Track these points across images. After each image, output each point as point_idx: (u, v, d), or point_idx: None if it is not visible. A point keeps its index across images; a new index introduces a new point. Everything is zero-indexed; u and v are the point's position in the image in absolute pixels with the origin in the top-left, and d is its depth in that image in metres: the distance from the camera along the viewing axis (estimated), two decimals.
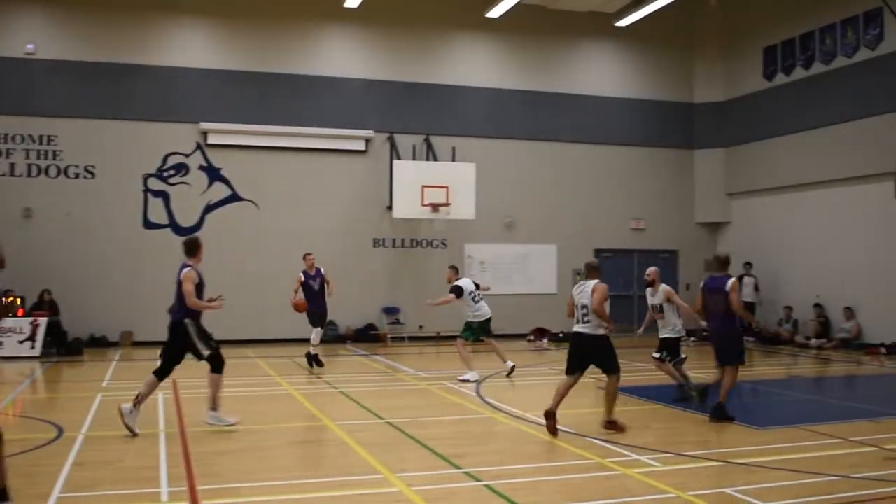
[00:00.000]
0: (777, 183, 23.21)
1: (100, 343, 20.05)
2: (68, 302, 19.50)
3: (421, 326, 22.58)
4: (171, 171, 21.20)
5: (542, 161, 24.00)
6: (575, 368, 10.19)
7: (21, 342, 18.04)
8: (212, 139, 21.37)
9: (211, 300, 10.32)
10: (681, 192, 25.50)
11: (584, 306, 10.06)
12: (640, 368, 15.31)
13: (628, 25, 23.36)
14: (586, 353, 10.12)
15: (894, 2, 18.12)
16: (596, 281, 10.15)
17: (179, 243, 20.98)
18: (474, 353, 15.02)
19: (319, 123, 22.06)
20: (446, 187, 21.33)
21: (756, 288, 22.91)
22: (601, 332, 10.02)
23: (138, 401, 9.89)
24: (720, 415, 10.61)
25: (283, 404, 11.33)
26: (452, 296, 14.87)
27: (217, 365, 10.12)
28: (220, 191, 21.50)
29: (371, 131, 22.48)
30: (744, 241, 24.39)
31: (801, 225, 22.29)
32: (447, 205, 21.30)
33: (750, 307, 21.95)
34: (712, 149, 25.34)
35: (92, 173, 20.59)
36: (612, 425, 9.97)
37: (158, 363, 10.20)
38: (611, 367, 10.09)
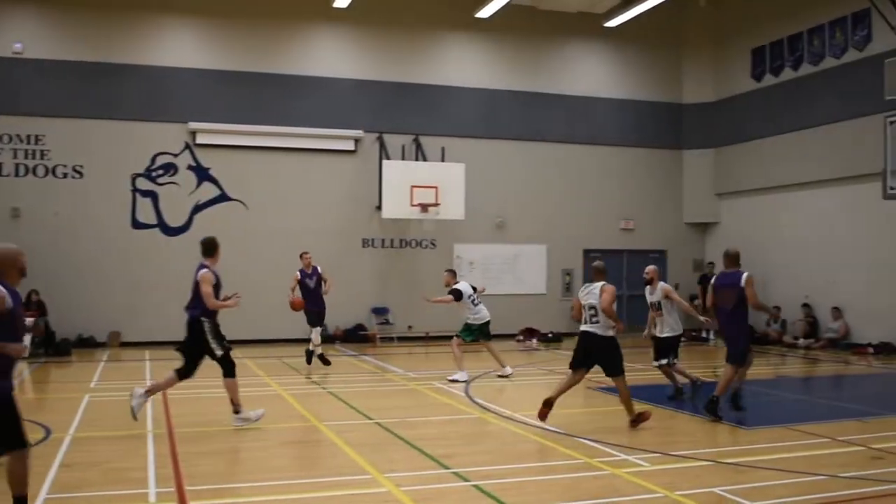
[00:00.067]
0: (765, 183, 23.28)
1: (87, 343, 19.98)
2: (56, 302, 19.43)
3: (410, 327, 22.58)
4: (160, 171, 21.13)
5: (531, 161, 24.01)
6: (579, 365, 10.37)
7: None
8: (200, 139, 21.31)
9: (226, 298, 10.51)
10: (670, 192, 25.55)
11: (591, 307, 10.19)
12: (630, 368, 15.30)
13: (617, 26, 23.38)
14: (592, 352, 10.28)
15: (882, 3, 18.18)
16: (603, 282, 10.29)
17: (167, 243, 21.17)
18: (465, 354, 15.01)
19: (308, 123, 22.02)
20: (436, 187, 21.33)
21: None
22: (611, 333, 10.17)
23: (150, 390, 10.08)
24: (711, 409, 10.65)
25: (272, 405, 11.30)
26: (451, 298, 14.89)
27: (229, 368, 10.21)
28: (208, 191, 21.45)
29: (360, 131, 22.45)
30: (732, 242, 24.20)
31: (790, 225, 22.35)
32: (436, 205, 21.30)
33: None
34: (701, 149, 25.40)
35: (80, 173, 20.51)
36: (638, 418, 10.14)
37: (181, 362, 10.26)
38: (615, 370, 10.23)
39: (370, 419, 10.77)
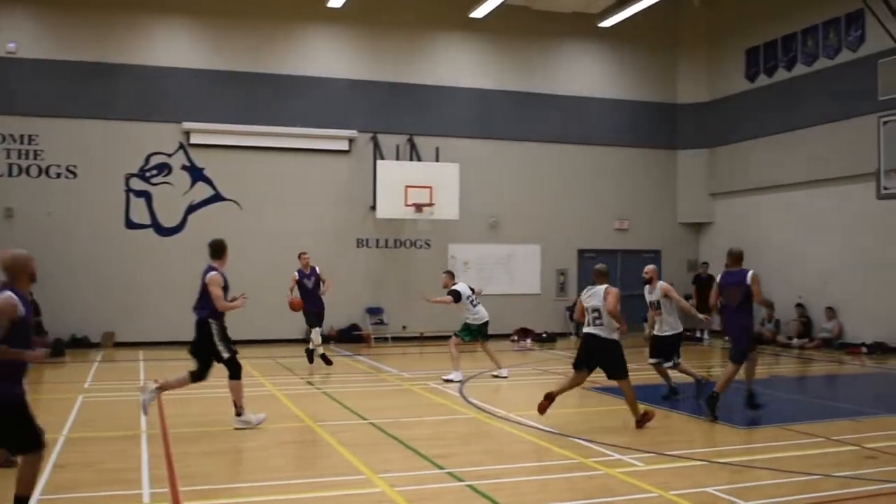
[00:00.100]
0: (759, 183, 23.32)
1: (81, 344, 19.95)
2: (50, 302, 19.35)
3: (404, 327, 22.58)
4: (154, 171, 21.09)
5: (525, 161, 24.02)
6: (582, 366, 10.42)
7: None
8: (194, 139, 21.28)
9: (233, 299, 10.44)
10: (664, 192, 25.57)
11: (595, 309, 10.25)
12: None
13: (612, 26, 23.40)
14: (595, 354, 10.34)
15: (876, 3, 18.21)
16: (606, 285, 10.35)
17: (161, 243, 21.14)
18: (461, 354, 15.01)
19: (302, 123, 21.99)
20: (430, 187, 21.33)
21: None
22: (615, 336, 10.23)
23: (162, 387, 10.13)
24: (711, 404, 10.75)
25: (266, 405, 11.29)
26: (450, 299, 14.91)
27: (235, 371, 10.20)
28: (202, 191, 21.41)
29: (354, 131, 22.44)
30: (726, 242, 24.27)
31: (784, 225, 22.38)
32: (431, 205, 21.30)
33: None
34: (695, 149, 25.43)
35: (74, 173, 20.47)
36: (643, 418, 10.20)
37: (194, 365, 10.23)
38: (619, 373, 10.27)
39: (364, 419, 10.76)
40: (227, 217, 21.36)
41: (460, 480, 7.66)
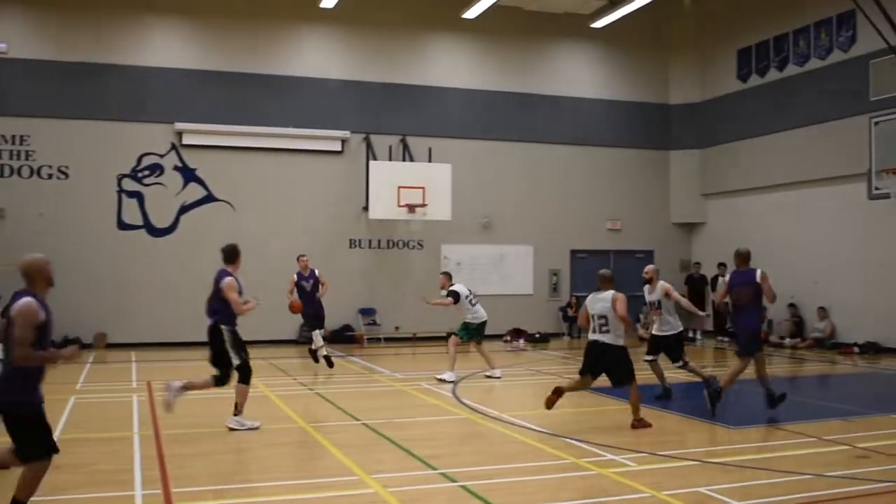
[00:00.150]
0: (752, 184, 23.36)
1: (74, 345, 19.86)
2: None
3: (397, 327, 22.57)
4: (146, 172, 21.06)
5: (518, 162, 24.03)
6: (587, 372, 10.47)
7: None
8: (187, 139, 21.25)
9: (245, 302, 10.44)
10: (656, 192, 25.61)
11: (601, 316, 10.29)
12: None
13: (604, 27, 23.40)
14: (601, 361, 10.36)
15: (867, 4, 18.26)
16: (613, 291, 10.37)
17: (153, 244, 21.10)
18: (464, 354, 15.04)
19: (295, 124, 21.97)
20: (422, 188, 21.32)
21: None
22: (621, 342, 10.28)
23: (186, 386, 10.17)
24: (714, 397, 10.95)
25: (258, 406, 11.28)
26: (450, 300, 14.93)
27: (244, 376, 10.24)
28: (195, 191, 21.38)
29: (347, 132, 22.42)
30: (718, 242, 24.51)
31: (776, 225, 22.42)
32: (423, 205, 21.29)
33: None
34: (687, 150, 25.47)
35: (65, 174, 20.42)
36: (640, 422, 10.24)
37: (217, 371, 10.28)
38: (625, 378, 10.31)
39: (357, 420, 10.76)
40: (219, 218, 21.34)
41: (453, 481, 7.66)
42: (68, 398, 12.54)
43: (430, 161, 22.56)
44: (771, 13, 22.77)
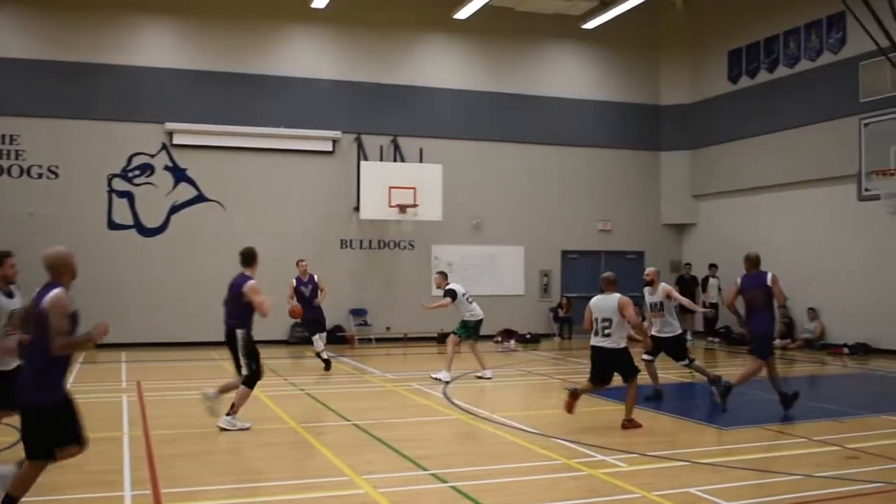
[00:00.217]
0: (742, 185, 23.41)
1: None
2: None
3: (388, 328, 22.56)
4: (136, 172, 21.01)
5: (509, 162, 24.04)
6: (596, 380, 10.58)
7: None
8: (177, 139, 21.20)
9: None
10: (647, 193, 25.64)
11: (605, 319, 10.33)
12: None
13: (595, 28, 23.42)
14: (608, 368, 10.45)
15: (857, 6, 18.31)
16: (618, 294, 10.41)
17: (144, 244, 21.03)
18: (455, 355, 15.02)
19: (286, 124, 21.95)
20: (413, 188, 21.31)
21: (719, 289, 23.10)
22: (623, 344, 10.35)
23: (223, 389, 10.33)
24: (723, 393, 11.14)
25: (248, 406, 11.23)
26: (448, 299, 14.98)
27: (250, 382, 10.30)
28: (185, 191, 21.34)
29: (338, 132, 22.40)
30: (709, 243, 24.60)
31: (766, 226, 22.46)
32: (414, 206, 21.28)
33: (714, 308, 22.19)
34: (678, 151, 25.52)
35: (55, 173, 20.35)
36: (631, 423, 10.25)
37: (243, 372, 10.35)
38: (629, 374, 10.39)
39: (348, 421, 10.74)
40: (210, 218, 21.32)
41: (444, 482, 7.66)
42: None
43: (421, 161, 22.56)
44: (761, 15, 22.83)
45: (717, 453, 8.92)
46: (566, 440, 9.47)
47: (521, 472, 8.20)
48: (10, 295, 7.93)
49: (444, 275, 15.60)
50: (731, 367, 16.71)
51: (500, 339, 22.56)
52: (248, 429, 10.07)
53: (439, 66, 23.64)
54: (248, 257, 10.70)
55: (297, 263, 16.66)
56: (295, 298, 16.16)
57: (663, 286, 12.69)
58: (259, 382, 11.41)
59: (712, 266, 23.42)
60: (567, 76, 24.96)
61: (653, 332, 12.66)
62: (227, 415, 10.13)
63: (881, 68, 18.88)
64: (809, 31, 21.44)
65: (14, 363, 7.74)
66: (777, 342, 20.93)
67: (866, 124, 19.47)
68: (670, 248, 25.79)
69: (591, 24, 23.12)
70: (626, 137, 25.33)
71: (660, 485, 7.50)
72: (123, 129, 20.84)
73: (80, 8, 20.62)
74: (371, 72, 22.89)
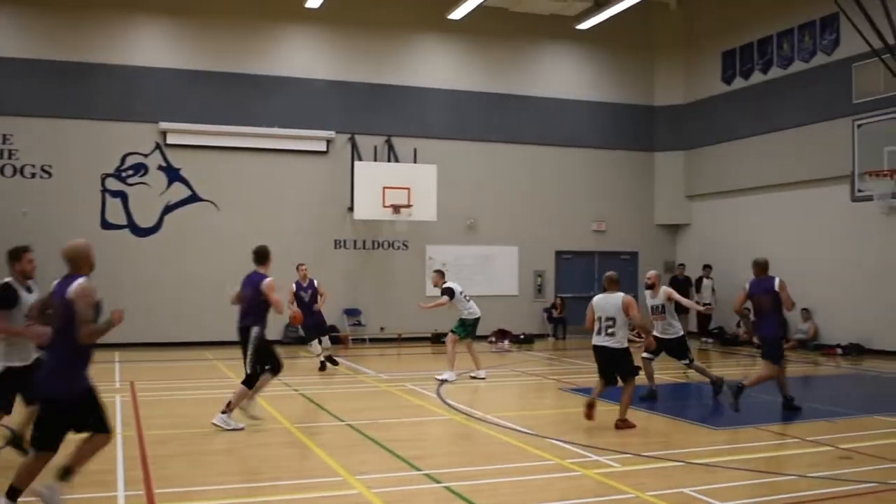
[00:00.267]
0: (736, 185, 23.45)
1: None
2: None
3: (382, 328, 22.55)
4: (130, 172, 20.96)
5: (503, 163, 24.04)
6: (603, 376, 10.61)
7: None
8: (171, 139, 21.17)
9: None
10: (641, 194, 25.67)
11: (609, 318, 10.35)
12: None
13: (589, 29, 23.44)
14: (611, 367, 10.51)
15: (850, 8, 18.36)
16: (622, 294, 10.47)
17: (137, 244, 20.96)
18: (457, 354, 15.02)
19: (280, 124, 21.92)
20: (408, 189, 21.31)
21: (713, 290, 23.15)
22: (626, 344, 10.43)
23: (233, 406, 10.32)
24: (736, 392, 11.10)
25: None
26: (446, 298, 15.01)
27: (249, 382, 10.35)
28: (179, 191, 21.30)
29: (332, 132, 22.39)
30: (703, 243, 24.64)
31: (760, 227, 22.49)
32: (408, 206, 21.27)
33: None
34: (672, 151, 25.55)
35: (49, 173, 20.30)
36: (624, 423, 10.28)
37: (268, 366, 10.52)
38: (628, 375, 10.47)
39: (342, 421, 10.73)
40: (203, 218, 21.29)
41: (438, 482, 7.65)
42: None
43: (415, 162, 22.56)
44: (755, 16, 22.87)
45: (710, 454, 8.93)
46: (560, 440, 9.47)
47: (514, 472, 8.19)
48: (28, 290, 7.96)
49: (441, 273, 15.59)
50: (725, 368, 16.74)
51: (493, 339, 22.57)
52: (241, 429, 10.06)
53: (433, 67, 23.64)
54: (262, 255, 10.83)
55: (297, 268, 16.61)
56: (295, 304, 16.08)
57: (664, 289, 12.77)
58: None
59: (706, 267, 23.46)
60: (561, 77, 24.97)
61: (655, 334, 12.71)
62: (223, 413, 10.12)
63: (874, 69, 18.93)
64: (803, 33, 21.49)
65: (33, 357, 7.85)
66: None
67: (860, 125, 19.52)
68: (664, 249, 25.82)
69: (585, 25, 23.14)
70: (620, 138, 25.36)
71: (653, 485, 7.51)
72: (117, 128, 20.80)
73: (74, 8, 20.57)
74: (365, 72, 22.88)
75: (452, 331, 15.17)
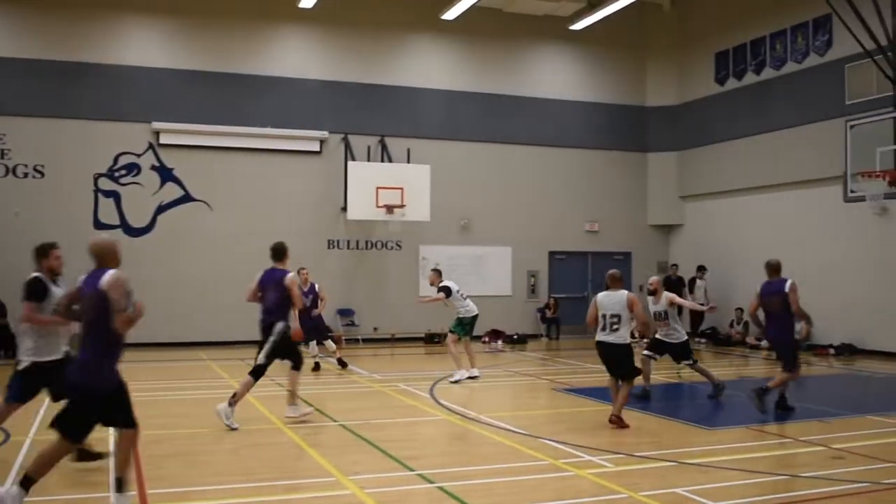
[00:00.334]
0: (729, 186, 23.49)
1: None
2: (16, 303, 19.08)
3: (375, 328, 22.54)
4: (123, 171, 20.92)
5: (496, 163, 24.05)
6: (610, 373, 10.67)
7: None
8: (164, 139, 21.13)
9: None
10: (634, 194, 25.70)
11: (614, 315, 10.38)
12: (594, 370, 15.44)
13: (582, 29, 23.46)
14: (614, 362, 10.54)
15: (843, 9, 18.42)
16: (625, 291, 10.52)
17: (130, 244, 20.90)
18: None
19: (273, 124, 21.90)
20: (401, 189, 21.29)
21: (706, 291, 23.16)
22: (628, 340, 10.46)
23: (292, 394, 10.62)
24: (760, 395, 11.12)
25: (239, 407, 11.21)
26: (442, 294, 14.96)
27: (258, 373, 10.47)
28: (172, 191, 21.26)
29: (326, 132, 22.37)
30: (696, 244, 24.67)
31: (753, 227, 22.55)
32: (402, 206, 21.26)
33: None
34: (665, 152, 25.58)
35: (41, 173, 20.25)
36: (619, 419, 10.29)
37: (290, 362, 10.73)
38: (628, 375, 10.50)
39: (335, 421, 10.73)
40: (196, 218, 21.26)
41: (431, 482, 7.65)
42: (42, 399, 12.39)
43: (408, 162, 22.56)
44: (748, 17, 22.92)
45: (703, 453, 8.93)
46: (553, 441, 9.47)
47: (507, 472, 8.19)
48: (56, 285, 8.02)
49: (438, 272, 15.58)
50: (718, 368, 16.75)
51: (487, 339, 22.57)
52: (236, 429, 10.05)
53: (427, 67, 23.64)
54: (281, 251, 10.95)
55: (298, 271, 16.55)
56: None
57: (666, 294, 12.77)
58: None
59: (701, 268, 23.50)
60: (554, 77, 24.98)
61: (659, 337, 12.73)
62: (230, 405, 10.18)
63: (867, 70, 19.00)
64: (796, 34, 21.53)
65: (62, 352, 7.94)
66: (763, 343, 21.04)
67: (852, 126, 19.54)
68: (657, 249, 25.85)
69: (578, 26, 23.15)
70: (614, 138, 25.38)
71: (646, 485, 7.51)
72: (110, 128, 20.75)
73: (67, 7, 20.52)
74: (359, 72, 22.87)
75: (451, 331, 15.17)
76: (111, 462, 8.18)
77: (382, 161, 22.54)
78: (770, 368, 17.92)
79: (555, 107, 24.77)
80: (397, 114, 23.07)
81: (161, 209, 21.13)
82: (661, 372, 14.83)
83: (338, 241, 22.54)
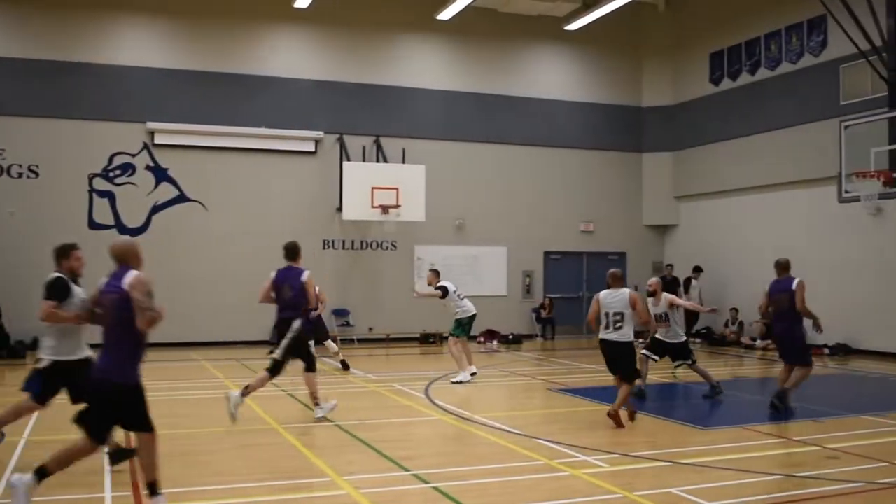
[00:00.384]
0: (723, 186, 23.51)
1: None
2: (11, 304, 19.10)
3: (371, 328, 22.53)
4: (117, 171, 20.89)
5: (492, 163, 24.05)
6: (612, 372, 10.73)
7: None
8: (159, 139, 21.11)
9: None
10: (629, 194, 25.71)
11: (617, 313, 10.43)
12: (589, 370, 15.45)
13: (578, 29, 23.47)
14: (615, 360, 10.59)
15: (838, 9, 18.45)
16: (628, 290, 10.58)
17: None
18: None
19: (268, 124, 21.88)
20: (396, 189, 21.30)
21: (700, 292, 23.17)
22: (630, 338, 10.50)
23: (314, 395, 10.70)
24: (781, 398, 11.29)
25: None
26: (439, 292, 14.95)
27: (274, 370, 10.54)
28: (167, 191, 21.23)
29: (321, 132, 22.35)
30: (691, 244, 24.70)
31: (747, 228, 22.58)
32: (397, 206, 21.26)
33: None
34: (660, 152, 25.60)
35: (36, 173, 20.21)
36: (616, 416, 10.31)
37: (303, 363, 10.77)
38: (629, 376, 10.54)
39: (330, 421, 10.71)
40: (191, 218, 21.23)
41: (426, 482, 7.65)
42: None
43: (403, 162, 22.56)
44: (743, 17, 22.95)
45: (698, 453, 8.94)
46: (548, 441, 9.48)
47: (503, 472, 8.19)
48: (77, 285, 8.02)
49: (436, 272, 15.58)
50: (713, 368, 16.76)
51: (482, 339, 22.57)
52: (235, 421, 10.06)
53: (422, 67, 23.63)
54: (294, 250, 11.01)
55: None
56: None
57: (666, 296, 12.78)
58: (240, 383, 11.42)
59: (697, 269, 23.51)
60: (550, 77, 24.99)
61: (658, 337, 12.75)
62: (242, 395, 10.22)
63: (862, 71, 19.03)
64: (790, 34, 21.57)
65: (84, 353, 7.96)
66: (758, 342, 21.10)
67: (847, 126, 19.54)
68: (652, 249, 25.88)
69: (573, 26, 23.17)
70: (609, 138, 25.39)
71: (641, 485, 7.52)
72: (104, 128, 20.72)
73: (61, 7, 20.48)
74: (354, 72, 22.85)
75: (451, 334, 15.17)
76: (107, 462, 8.19)
77: (377, 161, 22.53)
78: (764, 368, 17.97)
79: (549, 107, 24.78)
80: (392, 114, 23.06)
81: (156, 209, 21.09)
82: (656, 371, 14.84)
83: (333, 242, 22.52)
